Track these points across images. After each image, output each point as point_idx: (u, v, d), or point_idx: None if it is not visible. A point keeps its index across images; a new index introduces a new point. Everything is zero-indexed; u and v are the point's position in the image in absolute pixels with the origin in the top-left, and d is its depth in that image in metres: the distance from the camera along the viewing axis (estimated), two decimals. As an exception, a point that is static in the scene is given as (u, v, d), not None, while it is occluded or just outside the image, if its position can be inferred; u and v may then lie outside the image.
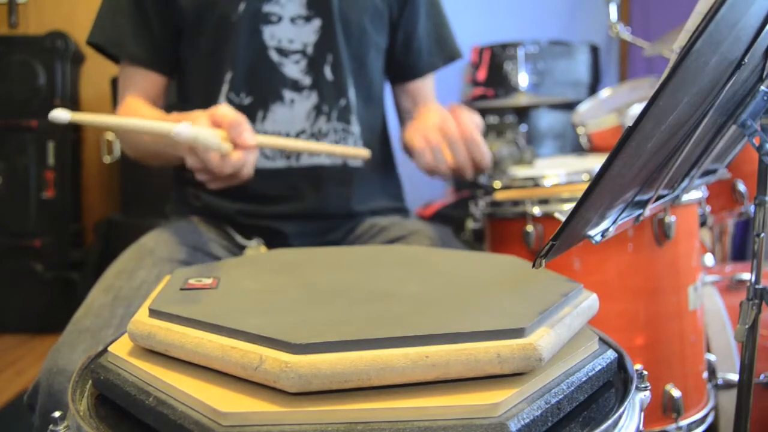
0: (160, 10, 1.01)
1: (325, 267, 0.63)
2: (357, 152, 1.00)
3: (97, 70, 2.82)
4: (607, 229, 0.53)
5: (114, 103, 2.65)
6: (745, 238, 2.11)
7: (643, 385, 0.48)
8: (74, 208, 2.81)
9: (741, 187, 1.25)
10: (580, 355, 0.46)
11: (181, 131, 0.73)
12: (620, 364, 0.50)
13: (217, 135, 0.78)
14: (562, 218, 0.44)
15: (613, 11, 1.61)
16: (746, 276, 1.25)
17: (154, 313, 0.48)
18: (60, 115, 0.69)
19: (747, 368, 0.67)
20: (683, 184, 0.71)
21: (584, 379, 0.44)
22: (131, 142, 1.02)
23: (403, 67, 1.15)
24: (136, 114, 1.00)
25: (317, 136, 1.02)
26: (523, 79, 1.98)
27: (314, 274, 0.59)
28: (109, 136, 2.74)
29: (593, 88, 2.68)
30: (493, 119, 2.48)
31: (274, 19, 0.99)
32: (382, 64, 1.12)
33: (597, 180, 0.42)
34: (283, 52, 1.00)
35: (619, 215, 0.55)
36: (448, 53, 1.17)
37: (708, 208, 1.10)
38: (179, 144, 0.79)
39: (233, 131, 0.79)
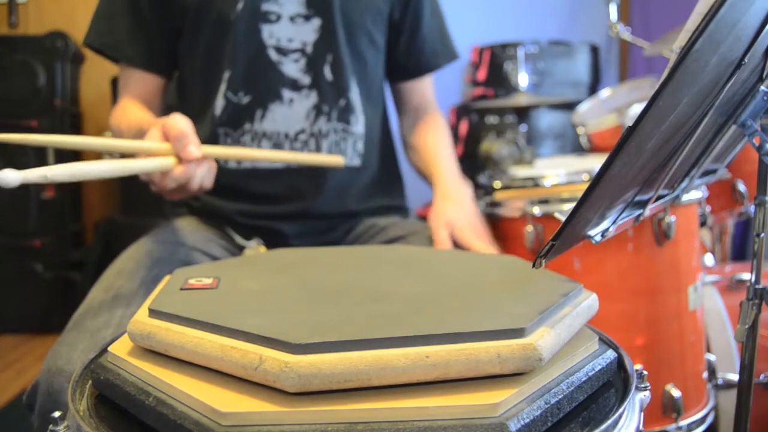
0: (156, 10, 1.01)
1: (325, 267, 0.63)
2: (330, 159, 0.97)
3: (97, 70, 2.82)
4: (607, 229, 0.53)
5: (114, 102, 2.66)
6: (745, 238, 2.11)
7: (643, 385, 0.48)
8: (74, 208, 2.81)
9: (741, 187, 1.25)
10: (580, 355, 0.46)
11: (5, 177, 0.54)
12: (620, 364, 0.50)
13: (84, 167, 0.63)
14: (562, 218, 0.44)
15: (613, 11, 1.61)
16: (746, 276, 1.25)
17: (153, 313, 0.48)
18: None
19: (747, 368, 0.67)
20: (683, 184, 0.71)
21: (584, 379, 0.44)
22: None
23: (405, 67, 1.15)
24: (125, 116, 0.99)
25: (317, 136, 1.02)
26: (523, 79, 1.98)
27: (314, 274, 0.59)
28: (109, 136, 2.73)
29: (593, 88, 2.68)
30: (493, 119, 2.49)
31: (272, 17, 0.99)
32: (382, 63, 1.12)
33: (597, 180, 0.42)
34: (281, 50, 1.00)
35: (619, 215, 0.55)
36: (449, 53, 1.18)
37: (708, 208, 1.10)
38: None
39: (177, 144, 0.76)
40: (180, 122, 0.77)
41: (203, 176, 0.80)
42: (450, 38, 1.19)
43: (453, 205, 0.97)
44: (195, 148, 0.77)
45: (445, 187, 1.02)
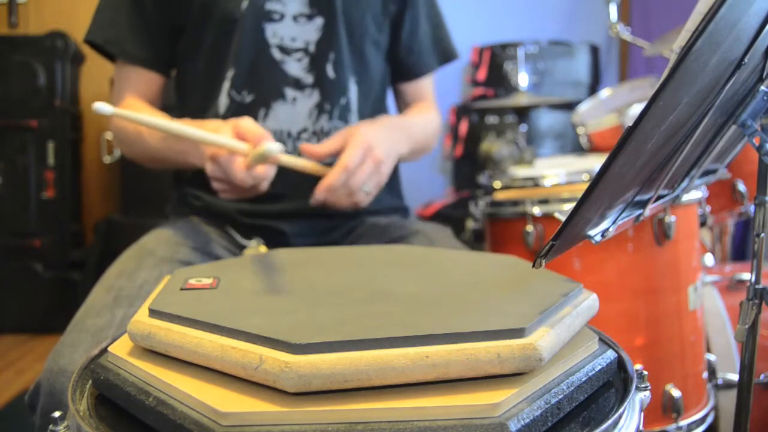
0: (159, 8, 1.01)
1: (325, 267, 0.63)
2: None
3: (97, 70, 2.82)
4: (607, 229, 0.53)
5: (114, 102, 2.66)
6: (745, 238, 2.11)
7: (643, 385, 0.48)
8: (74, 208, 2.81)
9: (741, 187, 1.25)
10: (580, 355, 0.46)
11: (273, 149, 0.78)
12: (620, 364, 0.50)
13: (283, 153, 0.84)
14: (562, 218, 0.44)
15: (613, 11, 1.61)
16: (746, 276, 1.25)
17: (153, 313, 0.48)
18: (102, 107, 0.74)
19: (747, 368, 0.67)
20: (683, 184, 0.71)
21: (584, 379, 0.44)
22: (136, 144, 1.02)
23: (403, 67, 1.16)
24: None
25: (319, 134, 1.03)
26: (523, 79, 1.98)
27: (314, 274, 0.59)
28: (109, 136, 2.73)
29: (593, 88, 2.68)
30: (493, 119, 2.50)
31: (276, 16, 1.00)
32: (383, 62, 1.12)
33: (597, 180, 0.42)
34: (285, 50, 1.00)
35: (619, 215, 0.55)
36: (443, 54, 1.18)
37: (708, 208, 1.10)
38: (201, 151, 0.84)
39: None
40: (256, 125, 0.84)
41: (271, 178, 0.86)
42: (448, 38, 1.18)
43: (371, 124, 0.96)
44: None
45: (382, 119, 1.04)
